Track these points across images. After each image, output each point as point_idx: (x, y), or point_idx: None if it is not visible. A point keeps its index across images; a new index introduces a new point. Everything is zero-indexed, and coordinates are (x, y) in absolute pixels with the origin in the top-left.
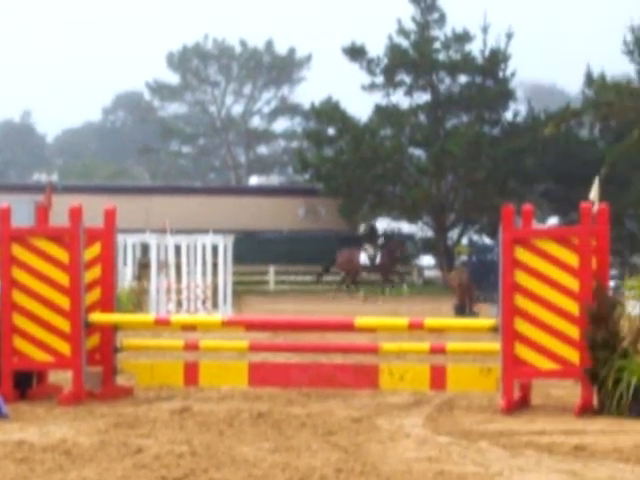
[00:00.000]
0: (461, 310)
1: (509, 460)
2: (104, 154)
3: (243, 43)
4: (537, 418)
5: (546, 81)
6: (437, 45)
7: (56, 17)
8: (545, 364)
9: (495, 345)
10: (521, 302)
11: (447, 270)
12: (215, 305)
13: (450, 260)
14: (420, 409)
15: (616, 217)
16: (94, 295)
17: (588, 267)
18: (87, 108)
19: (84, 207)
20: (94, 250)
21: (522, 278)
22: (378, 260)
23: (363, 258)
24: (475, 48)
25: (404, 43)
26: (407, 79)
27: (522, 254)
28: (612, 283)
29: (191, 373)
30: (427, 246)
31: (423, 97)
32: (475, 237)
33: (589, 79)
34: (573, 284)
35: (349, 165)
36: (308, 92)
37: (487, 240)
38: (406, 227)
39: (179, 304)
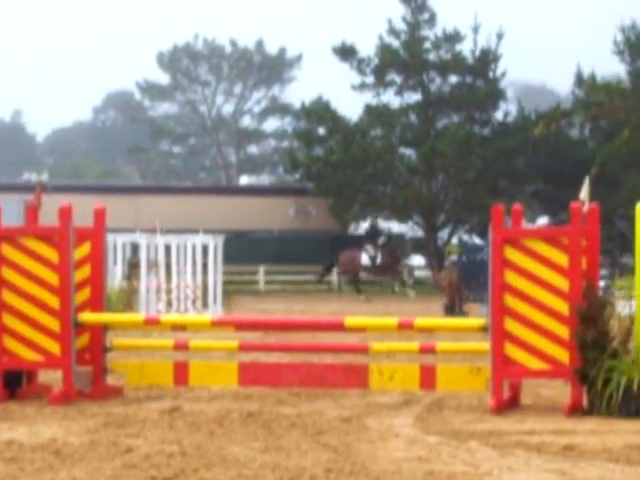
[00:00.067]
0: (451, 310)
1: (498, 460)
2: (94, 154)
3: (233, 43)
4: (527, 418)
5: (536, 81)
6: (427, 45)
7: (46, 17)
8: (535, 364)
9: (485, 345)
10: (511, 302)
11: (437, 270)
12: (205, 305)
13: (440, 260)
14: (410, 409)
15: (606, 217)
16: (84, 295)
17: (578, 267)
18: (77, 108)
19: (74, 207)
20: (84, 250)
21: (512, 278)
22: (379, 260)
23: (364, 258)
24: (465, 48)
25: (394, 43)
26: (397, 79)
27: (512, 254)
28: (602, 283)
29: (181, 373)
30: (417, 246)
31: (413, 97)
32: (465, 237)
33: (579, 79)
34: (563, 284)
35: (339, 165)
36: (298, 92)
37: (477, 240)
38: (396, 227)
39: (169, 304)
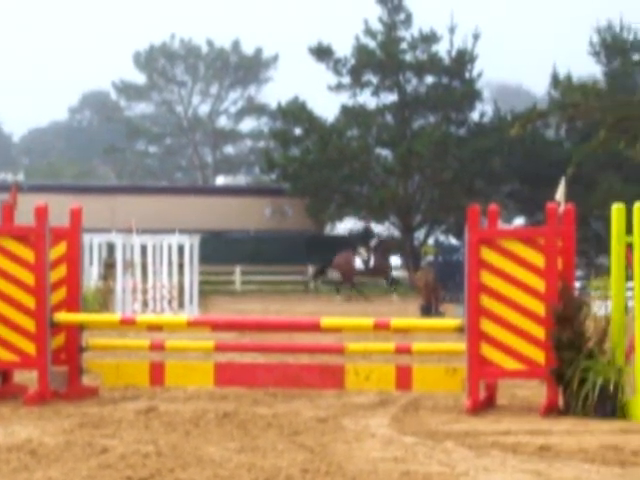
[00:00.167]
0: (427, 310)
1: (474, 460)
2: (70, 153)
3: (210, 43)
4: (502, 418)
5: (513, 82)
6: (404, 45)
7: (22, 16)
8: (511, 364)
9: (461, 345)
10: (487, 302)
11: (413, 270)
12: (181, 305)
13: (416, 260)
14: (386, 409)
15: (582, 218)
16: (60, 295)
17: (554, 268)
18: (53, 108)
19: (50, 206)
20: (60, 249)
21: (488, 278)
22: (372, 262)
23: (358, 262)
24: (442, 49)
25: (371, 43)
26: (374, 79)
27: (488, 254)
28: (578, 284)
29: (157, 373)
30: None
31: (390, 97)
32: (441, 237)
33: (555, 80)
34: (539, 284)
35: (316, 165)
36: (275, 92)
37: (453, 240)
38: (373, 227)
39: (145, 304)
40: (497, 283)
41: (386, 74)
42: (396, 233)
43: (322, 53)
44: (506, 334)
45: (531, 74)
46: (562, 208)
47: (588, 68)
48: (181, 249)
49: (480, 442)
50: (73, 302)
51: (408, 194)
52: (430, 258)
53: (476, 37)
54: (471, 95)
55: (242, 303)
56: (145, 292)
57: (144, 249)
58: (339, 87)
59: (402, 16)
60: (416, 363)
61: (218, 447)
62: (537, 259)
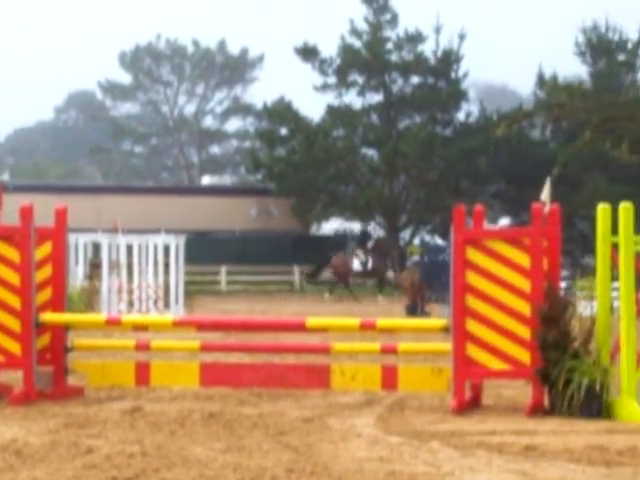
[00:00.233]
0: (413, 310)
1: (460, 460)
2: (56, 153)
3: (195, 43)
4: (488, 418)
5: (498, 82)
6: (389, 46)
7: (7, 16)
8: (496, 364)
9: (446, 345)
10: (472, 302)
11: (399, 270)
12: (167, 305)
13: (402, 260)
14: (371, 409)
15: (567, 218)
16: (45, 295)
17: (539, 268)
18: (39, 107)
19: (35, 206)
20: (45, 249)
21: (473, 279)
22: (370, 265)
23: (355, 263)
24: (427, 49)
25: (356, 43)
26: (359, 79)
27: (473, 255)
28: (563, 284)
29: (142, 373)
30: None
31: (375, 97)
32: (427, 237)
33: (541, 80)
34: (524, 285)
35: (301, 165)
36: (261, 92)
37: (439, 240)
38: (358, 227)
39: (131, 304)
40: (483, 283)
41: (372, 74)
42: (382, 233)
43: (308, 53)
44: (492, 334)
45: (517, 74)
46: (547, 208)
47: (574, 68)
48: (167, 249)
49: (466, 442)
50: (58, 302)
51: (394, 194)
52: (416, 258)
53: (462, 37)
54: (457, 95)
55: (228, 303)
56: (131, 292)
57: (130, 249)
58: (325, 87)
59: (388, 16)
60: (402, 363)
61: (204, 447)
62: (523, 259)
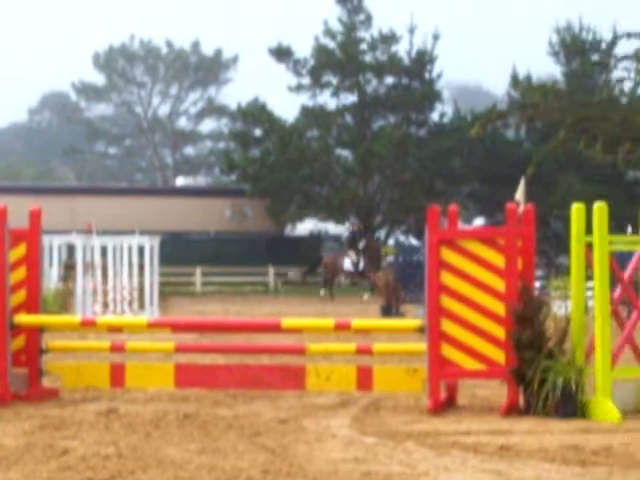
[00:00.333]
0: (387, 311)
1: (435, 460)
2: (30, 155)
3: (169, 44)
4: (463, 418)
5: (472, 82)
6: (363, 46)
7: None
8: (471, 364)
9: (421, 346)
10: (447, 303)
11: (373, 271)
12: (141, 306)
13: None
14: (346, 410)
15: (542, 218)
16: (19, 296)
17: (514, 268)
18: (12, 109)
19: (9, 208)
20: (19, 251)
21: (448, 279)
22: (362, 265)
23: (347, 264)
24: (401, 49)
25: (330, 44)
26: (334, 80)
27: (448, 255)
28: (538, 283)
29: (117, 374)
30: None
31: (350, 98)
32: (402, 238)
33: (515, 80)
34: (499, 285)
35: (276, 166)
36: (235, 93)
37: (413, 241)
38: (333, 228)
39: (105, 305)
40: (457, 283)
41: (346, 75)
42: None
43: (282, 54)
44: (466, 334)
45: (491, 74)
46: (522, 208)
47: (548, 68)
48: (141, 250)
49: (441, 442)
50: (33, 304)
51: (368, 195)
52: (390, 259)
53: (436, 38)
54: (431, 96)
55: (202, 304)
56: (105, 294)
57: (104, 250)
58: (299, 88)
59: (362, 17)
60: (377, 364)
61: (179, 448)
62: (497, 259)
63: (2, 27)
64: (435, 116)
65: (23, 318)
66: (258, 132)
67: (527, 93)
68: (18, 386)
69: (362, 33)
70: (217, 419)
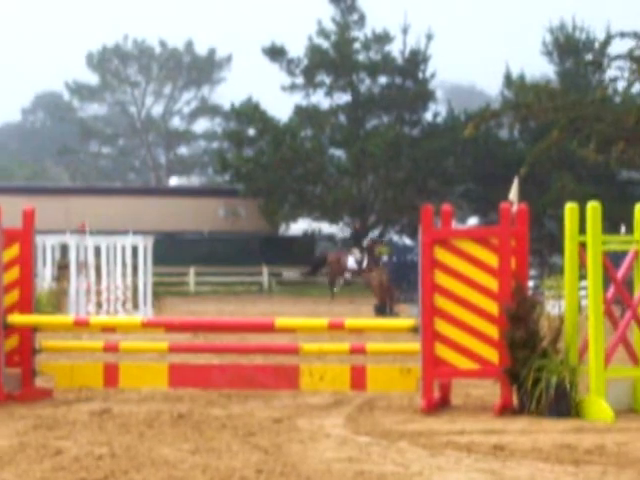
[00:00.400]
0: (381, 310)
1: (429, 460)
2: (23, 155)
3: (163, 43)
4: (457, 418)
5: (466, 82)
6: (357, 46)
7: None
8: (465, 364)
9: (415, 345)
10: (441, 302)
11: (367, 270)
12: (135, 306)
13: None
14: (340, 409)
15: (535, 217)
16: (13, 296)
17: (507, 267)
18: (6, 109)
19: (2, 208)
20: (13, 251)
21: (442, 278)
22: (365, 264)
23: (351, 262)
24: (395, 49)
25: (324, 44)
26: (327, 80)
27: (442, 254)
28: (531, 283)
29: (111, 375)
30: (347, 247)
31: (343, 98)
32: (395, 237)
33: (508, 80)
34: (492, 284)
35: (269, 166)
36: (228, 93)
37: (407, 240)
38: (327, 228)
39: (99, 305)
40: (451, 283)
41: (339, 74)
42: (350, 233)
43: (275, 53)
44: (460, 334)
45: (484, 74)
46: (515, 208)
47: (541, 68)
48: (135, 250)
49: (434, 442)
50: (26, 304)
51: (362, 194)
52: (384, 258)
53: (429, 37)
54: (424, 95)
55: (196, 304)
56: (99, 293)
57: (98, 250)
58: (292, 87)
59: (355, 16)
60: (370, 363)
61: (172, 448)
62: (491, 259)
63: None
64: (429, 116)
65: (16, 318)
66: (252, 132)
67: (520, 93)
68: (11, 386)
69: (356, 33)
70: (211, 419)
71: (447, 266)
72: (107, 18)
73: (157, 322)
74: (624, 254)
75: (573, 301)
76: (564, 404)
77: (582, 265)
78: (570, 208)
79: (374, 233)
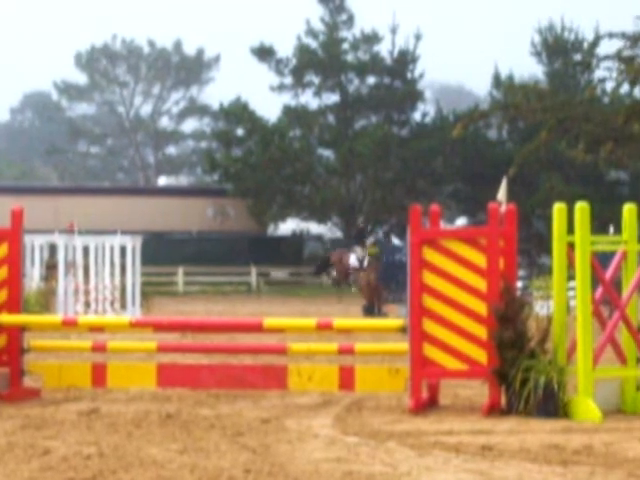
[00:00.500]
0: (370, 311)
1: (417, 460)
2: (12, 154)
3: (151, 43)
4: (445, 418)
5: (454, 82)
6: (346, 46)
7: None
8: (453, 364)
9: (403, 345)
10: (429, 302)
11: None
12: (123, 306)
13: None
14: (328, 410)
15: (524, 217)
16: (1, 296)
17: (496, 268)
18: None
19: None
20: (1, 251)
21: (430, 279)
22: (366, 262)
23: (353, 260)
24: (384, 49)
25: (313, 44)
26: (316, 80)
27: (430, 255)
28: (520, 283)
29: (99, 374)
30: (336, 247)
31: (332, 98)
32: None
33: (497, 80)
34: (481, 284)
35: (258, 166)
36: (217, 92)
37: (396, 240)
38: (315, 228)
39: (87, 305)
40: (439, 283)
41: (328, 74)
42: (338, 234)
43: (264, 53)
44: (448, 334)
45: (473, 74)
46: (504, 208)
47: (530, 68)
48: (123, 250)
49: (423, 442)
50: (14, 303)
51: (350, 194)
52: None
53: (418, 37)
54: (413, 95)
55: (185, 304)
56: (87, 293)
57: (86, 250)
58: (281, 87)
59: (344, 16)
60: (359, 363)
61: (161, 448)
62: (479, 259)
63: None
64: (417, 116)
65: (5, 318)
66: (240, 132)
67: (509, 93)
68: (0, 386)
69: (344, 33)
70: (199, 419)
71: (435, 266)
72: (95, 18)
73: (145, 322)
74: (612, 254)
75: (561, 301)
76: (552, 404)
77: (570, 265)
78: (558, 208)
79: (378, 233)
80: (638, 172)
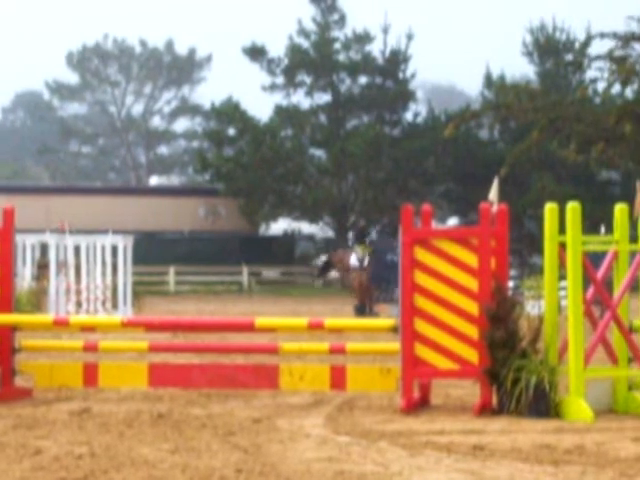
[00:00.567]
0: (361, 310)
1: (408, 460)
2: (3, 154)
3: (143, 43)
4: (436, 418)
5: (446, 82)
6: (337, 46)
7: None
8: (444, 364)
9: (395, 345)
10: (421, 302)
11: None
12: (115, 306)
13: None
14: (320, 409)
15: (515, 218)
16: None
17: (487, 267)
18: None
19: None
20: None
21: (422, 278)
22: (367, 262)
23: (353, 259)
24: (375, 49)
25: (304, 43)
26: (307, 79)
27: (422, 254)
28: (511, 283)
29: (90, 374)
30: (328, 246)
31: (323, 97)
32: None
33: (488, 80)
34: (472, 284)
35: (250, 165)
36: (208, 92)
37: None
38: (307, 227)
39: (79, 305)
40: (431, 283)
41: (320, 74)
42: (330, 233)
43: (256, 53)
44: (440, 334)
45: (464, 74)
46: (495, 208)
47: (521, 68)
48: (115, 250)
49: (414, 442)
50: (6, 303)
51: (342, 194)
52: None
53: (409, 37)
54: (405, 95)
55: (176, 304)
56: (79, 293)
57: (77, 250)
58: (273, 87)
59: (336, 16)
60: (350, 363)
61: (152, 448)
62: (470, 259)
63: None
64: (409, 116)
65: None
66: (232, 131)
67: (501, 93)
68: None
69: (336, 33)
70: (191, 418)
71: (427, 266)
72: (87, 17)
73: (137, 321)
74: (604, 254)
75: (553, 301)
76: (543, 404)
77: (562, 265)
78: (550, 208)
79: (380, 233)
80: (629, 172)
